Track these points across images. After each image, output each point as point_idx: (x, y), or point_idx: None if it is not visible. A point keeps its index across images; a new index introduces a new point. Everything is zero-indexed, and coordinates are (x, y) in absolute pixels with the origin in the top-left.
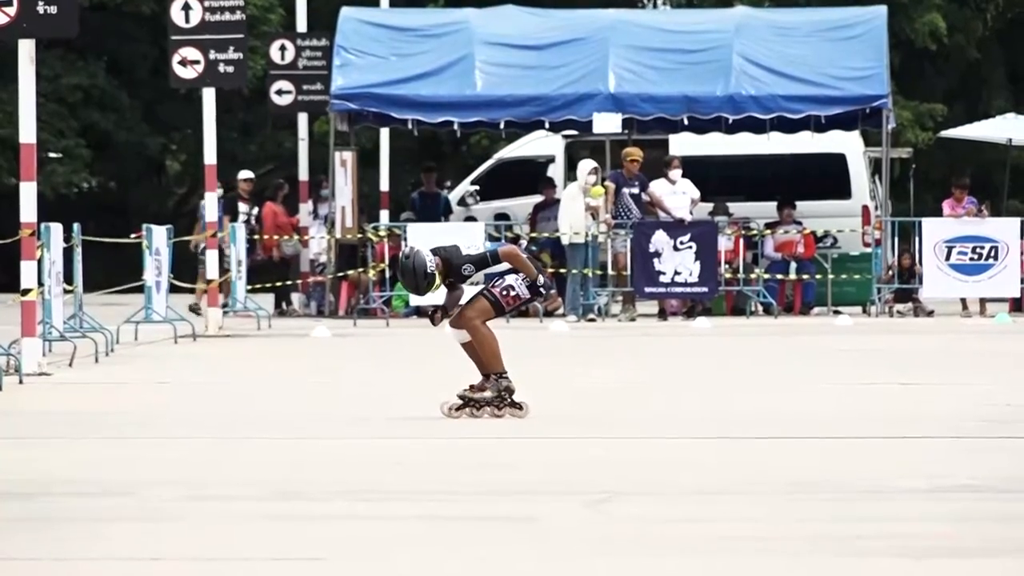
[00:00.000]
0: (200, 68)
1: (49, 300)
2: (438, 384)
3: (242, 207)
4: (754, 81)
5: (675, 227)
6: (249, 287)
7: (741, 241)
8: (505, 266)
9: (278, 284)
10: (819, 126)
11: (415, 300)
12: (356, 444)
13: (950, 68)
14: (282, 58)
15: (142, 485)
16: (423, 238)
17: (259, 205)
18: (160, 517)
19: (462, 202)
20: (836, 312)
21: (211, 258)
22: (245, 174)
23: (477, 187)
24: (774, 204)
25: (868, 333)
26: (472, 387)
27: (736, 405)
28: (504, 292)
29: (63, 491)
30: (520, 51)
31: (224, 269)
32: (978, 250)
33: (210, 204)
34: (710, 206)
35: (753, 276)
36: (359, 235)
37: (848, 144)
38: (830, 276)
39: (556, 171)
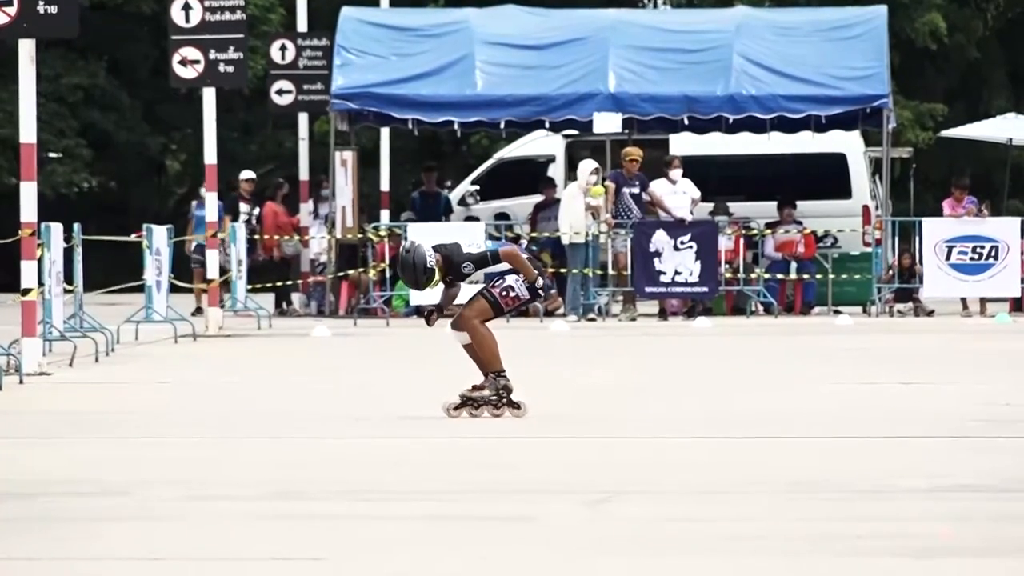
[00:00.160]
0: (200, 68)
1: (49, 300)
2: (438, 384)
3: (243, 207)
4: (754, 81)
5: (675, 227)
6: (249, 287)
7: (741, 241)
8: (505, 266)
9: (278, 284)
10: (819, 126)
11: (415, 299)
12: (356, 444)
13: (950, 68)
14: (282, 58)
15: (142, 485)
16: (424, 238)
17: (260, 205)
18: (160, 517)
19: (462, 202)
20: (836, 312)
21: (211, 258)
22: (247, 174)
23: (477, 187)
24: (774, 204)
25: (868, 333)
26: (474, 387)
27: (736, 405)
28: (503, 293)
29: (63, 491)
30: (520, 51)
31: (224, 269)
32: (978, 250)
33: (210, 204)
34: (710, 206)
35: (753, 276)
36: (359, 235)
37: (848, 144)
38: (830, 276)
39: (556, 171)
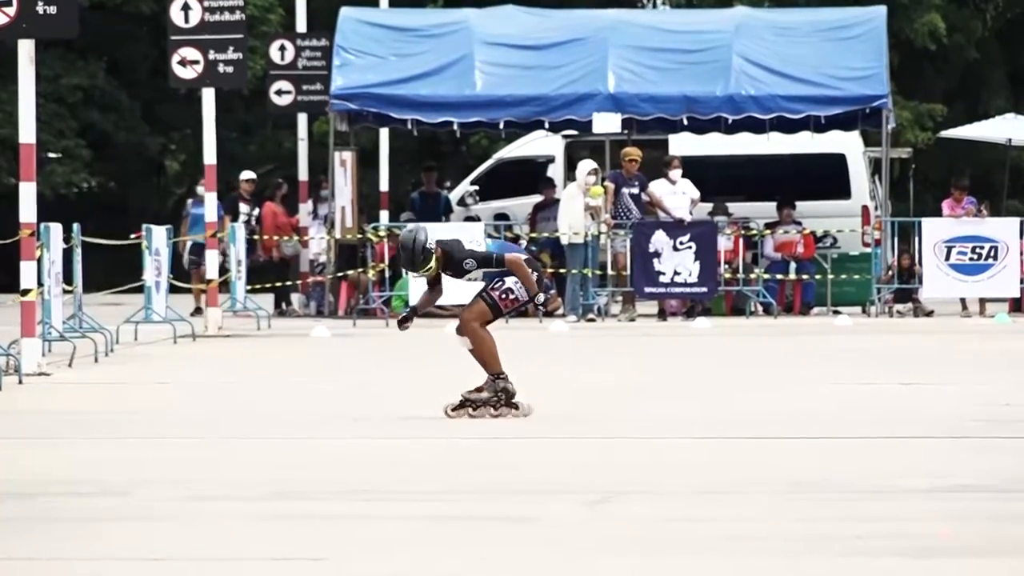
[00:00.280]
0: (200, 68)
1: (49, 300)
2: (437, 384)
3: (243, 207)
4: (754, 81)
5: (675, 227)
6: (249, 287)
7: (741, 241)
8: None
9: (278, 284)
10: (819, 126)
11: (414, 299)
12: (356, 444)
13: (949, 68)
14: (282, 58)
15: (141, 485)
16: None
17: (259, 205)
18: (160, 517)
19: (462, 202)
20: (836, 312)
21: (211, 258)
22: (247, 175)
23: (477, 187)
24: (774, 204)
25: (868, 333)
26: (476, 389)
27: (736, 405)
28: (503, 296)
29: (62, 491)
30: (520, 51)
31: (223, 269)
32: (978, 250)
33: (210, 204)
34: (710, 206)
35: (753, 276)
36: (359, 235)
37: (848, 144)
38: (830, 276)
39: (556, 171)
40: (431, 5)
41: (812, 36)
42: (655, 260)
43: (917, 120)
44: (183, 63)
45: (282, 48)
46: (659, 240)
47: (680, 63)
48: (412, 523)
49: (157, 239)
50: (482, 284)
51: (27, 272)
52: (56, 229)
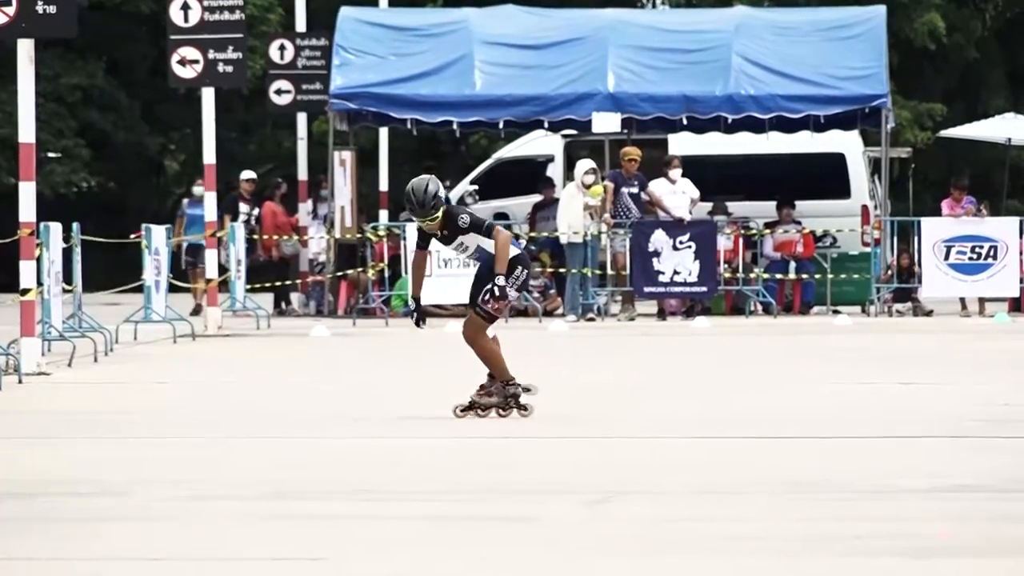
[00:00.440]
0: (199, 68)
1: (48, 300)
2: (437, 384)
3: (243, 207)
4: (753, 81)
5: (674, 227)
6: (248, 287)
7: (740, 241)
8: (489, 244)
9: (277, 284)
10: (818, 126)
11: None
12: (356, 444)
13: (949, 68)
14: (281, 58)
15: (141, 485)
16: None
17: (259, 205)
18: (159, 517)
19: (461, 202)
20: (835, 312)
21: (211, 257)
22: (248, 174)
23: (476, 187)
24: (773, 204)
25: (867, 333)
26: (481, 387)
27: (735, 405)
28: (486, 301)
29: (62, 491)
30: (519, 51)
31: (223, 268)
32: (977, 250)
33: (209, 204)
34: (709, 206)
35: (752, 276)
36: (358, 235)
37: (847, 144)
38: (829, 276)
39: (555, 171)
40: (431, 5)
41: (812, 36)
42: (655, 260)
43: (916, 120)
44: (183, 63)
45: (282, 48)
46: (659, 240)
47: (680, 63)
48: (412, 523)
49: (156, 239)
50: (462, 258)
51: (27, 272)
52: (56, 229)
